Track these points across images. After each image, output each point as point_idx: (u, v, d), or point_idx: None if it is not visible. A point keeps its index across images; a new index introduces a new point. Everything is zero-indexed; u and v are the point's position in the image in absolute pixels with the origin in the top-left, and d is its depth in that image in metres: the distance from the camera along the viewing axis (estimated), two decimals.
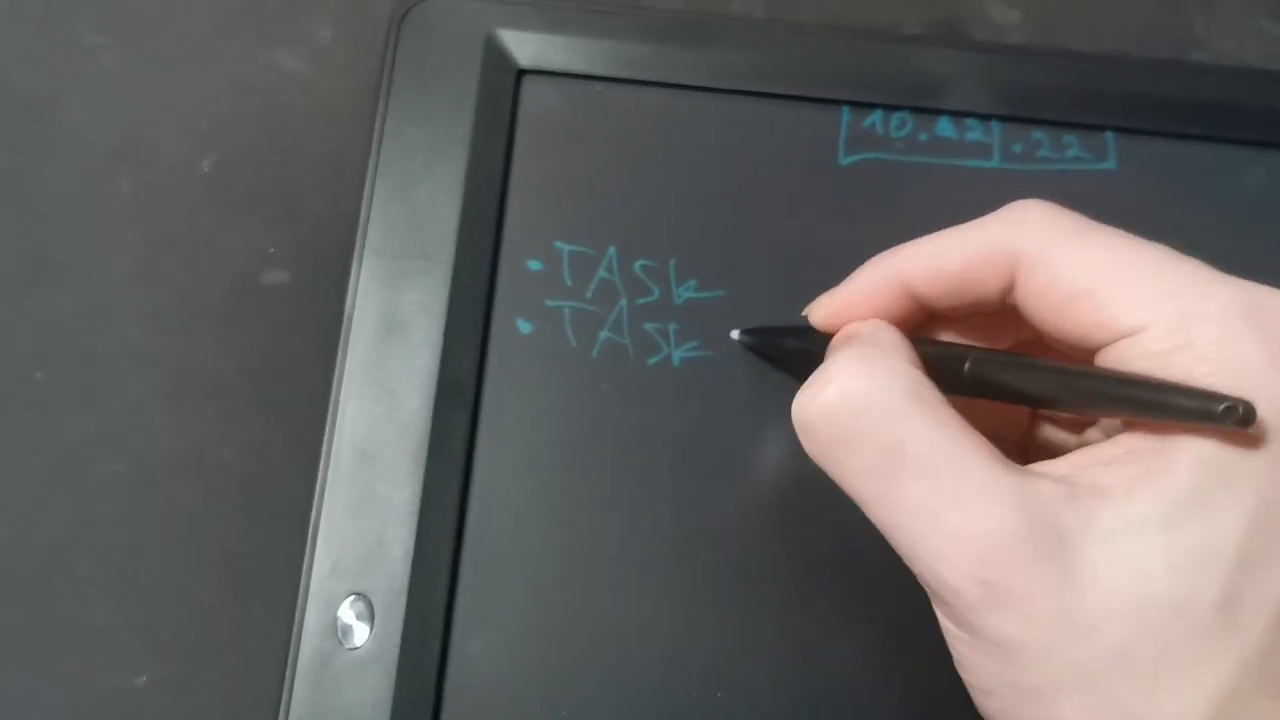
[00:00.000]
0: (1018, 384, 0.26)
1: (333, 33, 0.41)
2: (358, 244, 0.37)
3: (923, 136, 0.39)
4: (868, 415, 0.25)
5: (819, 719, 0.34)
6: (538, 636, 0.34)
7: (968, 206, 0.38)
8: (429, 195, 0.37)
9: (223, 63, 0.40)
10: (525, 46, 0.39)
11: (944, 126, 0.39)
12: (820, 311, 0.30)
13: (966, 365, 0.27)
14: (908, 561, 0.24)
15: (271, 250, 0.38)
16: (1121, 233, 0.26)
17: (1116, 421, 0.26)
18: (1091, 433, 0.29)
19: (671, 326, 0.37)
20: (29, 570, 0.35)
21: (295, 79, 0.40)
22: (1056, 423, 0.31)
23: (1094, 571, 0.22)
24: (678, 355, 0.37)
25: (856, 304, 0.30)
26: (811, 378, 0.26)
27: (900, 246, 0.29)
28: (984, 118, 0.39)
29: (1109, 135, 0.39)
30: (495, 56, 0.39)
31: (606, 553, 0.35)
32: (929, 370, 0.26)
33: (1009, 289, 0.27)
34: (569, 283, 0.37)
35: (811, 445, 0.26)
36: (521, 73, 0.39)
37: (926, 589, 0.25)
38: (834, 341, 0.30)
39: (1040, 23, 0.42)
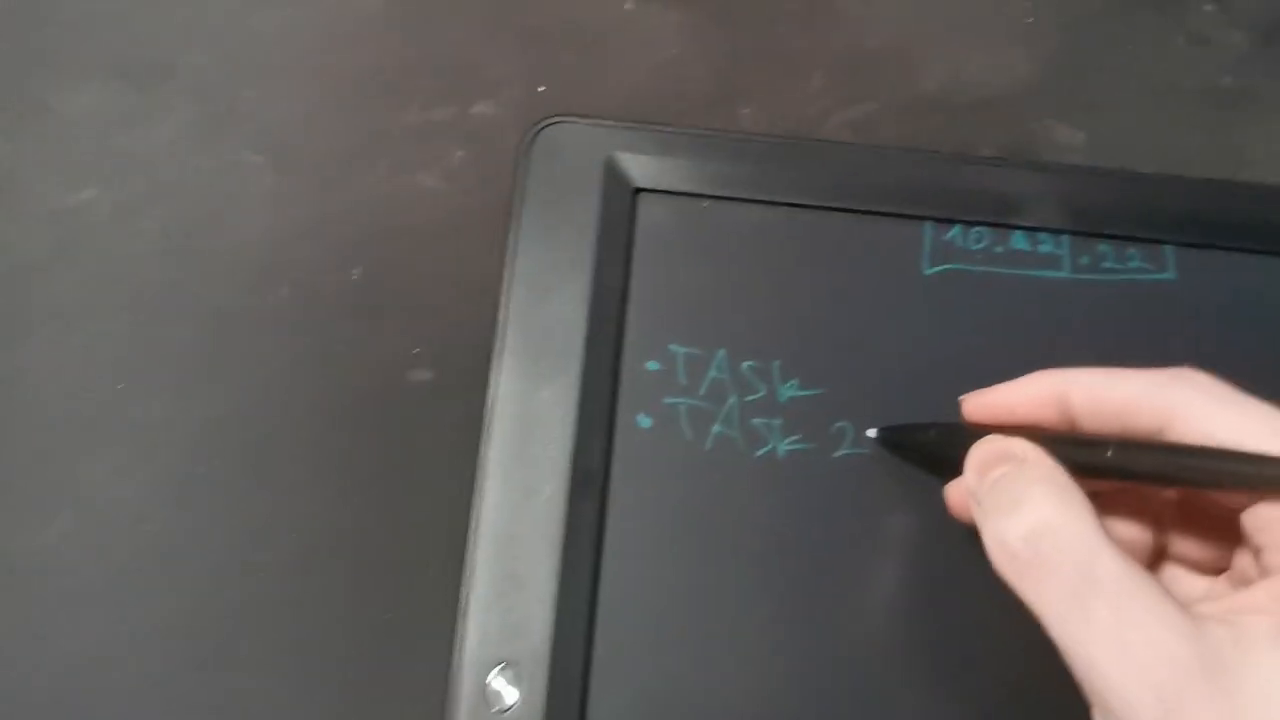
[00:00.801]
0: (1158, 466, 0.30)
1: (465, 153, 0.45)
2: (496, 347, 0.40)
3: (999, 249, 0.43)
4: (1067, 545, 0.28)
5: None
6: (668, 702, 0.38)
7: (1042, 313, 0.42)
8: (559, 303, 0.41)
9: (368, 181, 0.44)
10: (641, 168, 0.43)
11: (1018, 240, 0.43)
12: (976, 403, 0.35)
13: (1109, 452, 0.31)
14: (1084, 677, 0.27)
15: (416, 351, 0.42)
16: (1271, 407, 0.29)
17: (1248, 561, 0.30)
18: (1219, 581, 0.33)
19: (776, 422, 0.41)
20: (207, 646, 0.39)
21: (432, 195, 0.44)
22: (1188, 562, 0.34)
23: (1255, 704, 0.25)
24: (783, 448, 0.41)
25: (1015, 405, 0.34)
26: (1006, 505, 0.30)
27: (1069, 368, 0.33)
28: (1055, 232, 0.43)
29: (1168, 249, 0.43)
30: (614, 177, 0.43)
31: (726, 627, 0.39)
32: (1070, 457, 0.31)
33: (1157, 434, 0.30)
34: (684, 381, 0.41)
35: (1007, 567, 0.29)
36: (637, 191, 0.43)
37: (1098, 703, 0.27)
38: (982, 456, 0.33)
39: (1102, 143, 0.46)
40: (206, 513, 0.40)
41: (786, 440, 0.41)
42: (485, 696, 0.37)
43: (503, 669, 0.37)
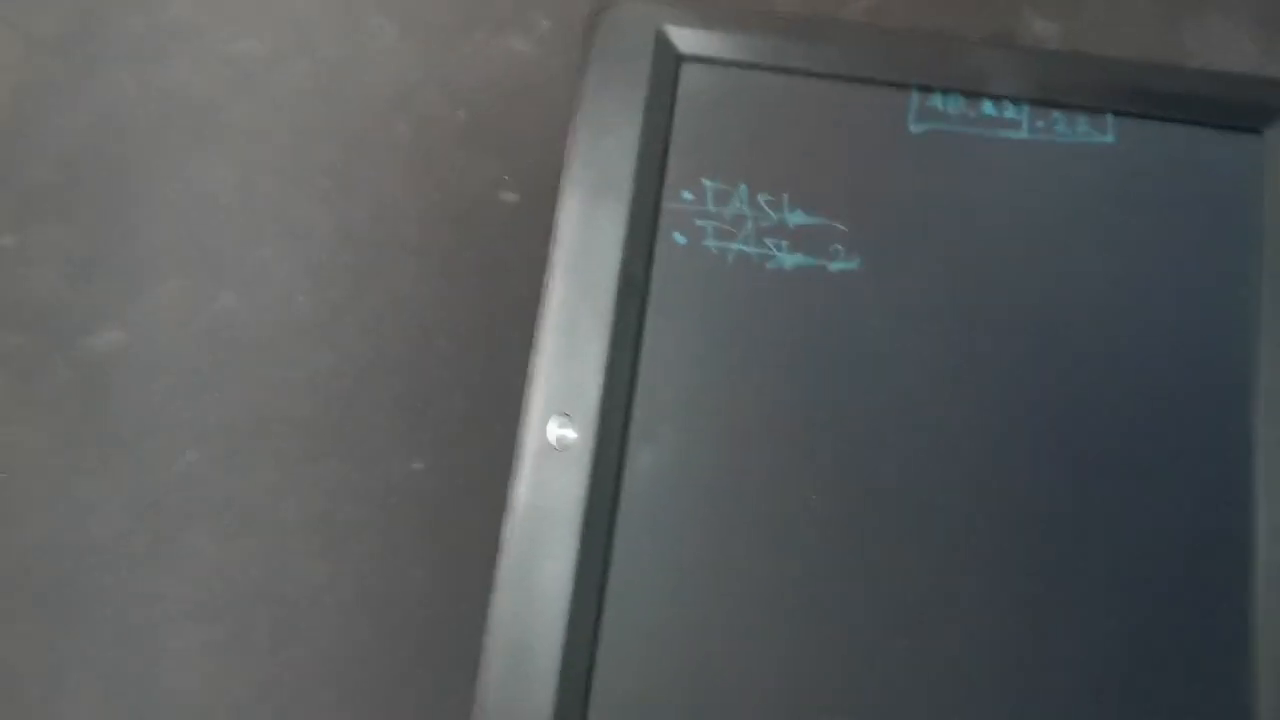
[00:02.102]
0: None
1: (550, 22, 0.52)
2: (564, 178, 0.48)
3: (972, 114, 0.50)
4: None
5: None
6: (686, 456, 0.46)
7: (1004, 166, 0.49)
8: (614, 144, 0.48)
9: (472, 43, 0.52)
10: (685, 39, 0.50)
11: (988, 107, 0.50)
12: None
13: None
14: None
15: (506, 177, 0.50)
16: None
17: None
18: None
19: (784, 242, 0.48)
20: (343, 389, 0.48)
21: (523, 56, 0.52)
22: None
23: None
24: (789, 262, 0.48)
25: None
26: None
27: None
28: (1017, 101, 0.50)
29: (1109, 117, 0.50)
30: (663, 46, 0.50)
31: (734, 398, 0.46)
32: None
33: None
34: (712, 209, 0.48)
35: None
36: (680, 58, 0.50)
37: None
38: None
39: (1074, 34, 0.53)
40: (343, 293, 0.49)
41: (793, 256, 0.48)
42: (549, 437, 0.46)
43: (561, 419, 0.46)
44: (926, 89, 0.50)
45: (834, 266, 0.48)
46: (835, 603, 0.45)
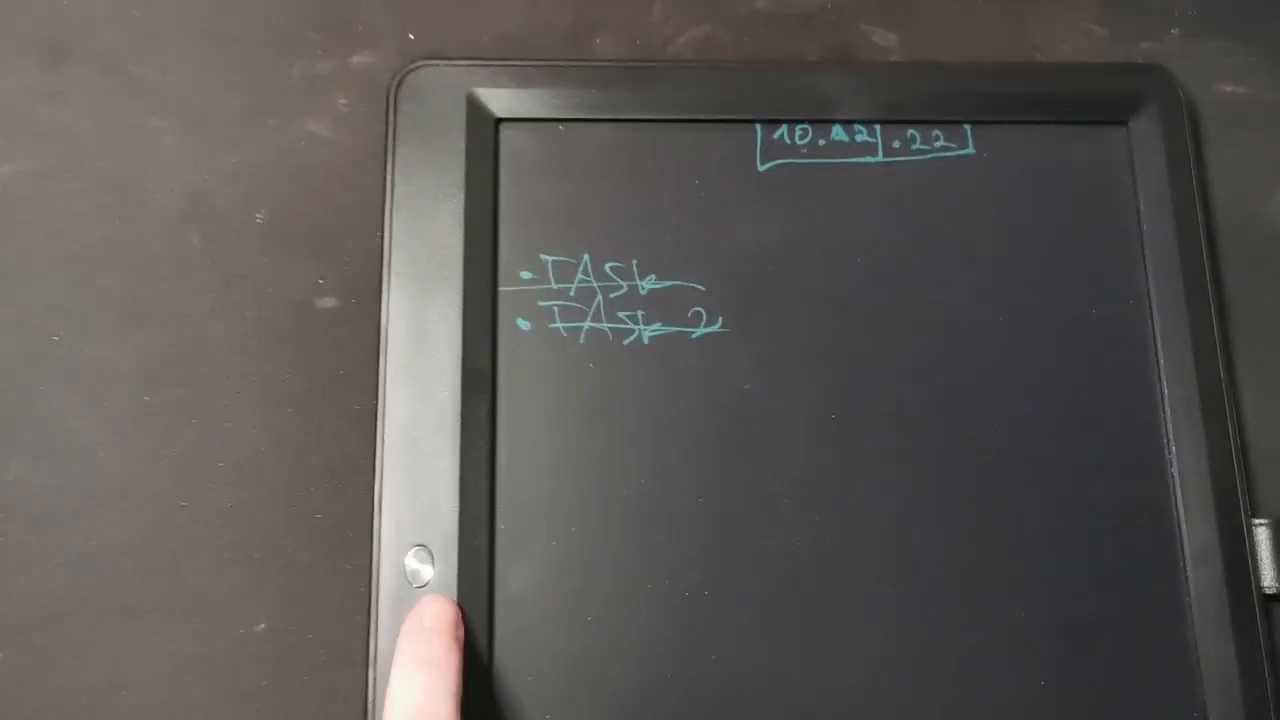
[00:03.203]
0: None
1: (348, 99, 0.45)
2: (384, 272, 0.41)
3: (821, 142, 0.44)
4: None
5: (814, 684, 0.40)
6: (565, 565, 0.40)
7: (863, 194, 0.43)
8: (436, 227, 0.42)
9: (264, 133, 0.44)
10: (499, 100, 0.44)
11: (837, 133, 0.44)
12: None
13: None
14: None
15: (321, 281, 0.43)
16: None
17: None
18: None
19: (639, 313, 0.42)
20: (160, 555, 0.40)
21: (323, 141, 0.45)
22: None
23: None
24: (647, 334, 0.42)
25: None
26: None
27: None
28: (868, 122, 0.44)
29: (967, 128, 0.44)
30: (476, 110, 0.43)
31: (610, 497, 0.40)
32: None
33: None
34: (555, 286, 0.42)
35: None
36: (498, 121, 0.44)
37: None
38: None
39: (914, 41, 0.47)
40: (151, 437, 0.41)
41: (650, 328, 0.42)
42: (405, 575, 0.39)
43: (417, 550, 0.39)
44: (770, 122, 0.44)
45: (697, 333, 0.41)
46: (743, 697, 0.39)
